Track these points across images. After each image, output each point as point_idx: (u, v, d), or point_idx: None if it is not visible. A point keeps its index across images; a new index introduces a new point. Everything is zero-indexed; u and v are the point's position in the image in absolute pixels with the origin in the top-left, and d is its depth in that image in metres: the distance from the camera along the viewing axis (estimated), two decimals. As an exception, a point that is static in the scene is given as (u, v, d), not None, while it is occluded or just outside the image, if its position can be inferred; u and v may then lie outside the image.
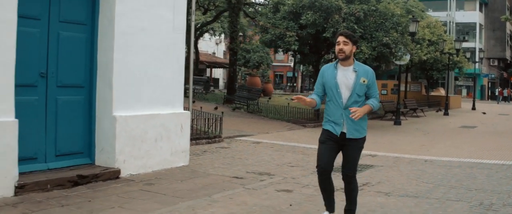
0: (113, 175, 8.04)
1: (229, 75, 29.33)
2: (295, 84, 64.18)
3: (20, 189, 6.69)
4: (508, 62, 73.69)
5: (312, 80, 56.56)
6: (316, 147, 5.93)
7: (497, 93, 65.47)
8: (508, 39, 71.08)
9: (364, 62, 20.00)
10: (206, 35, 46.91)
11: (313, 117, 21.48)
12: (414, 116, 30.09)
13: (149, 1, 8.82)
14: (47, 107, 7.61)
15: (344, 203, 6.04)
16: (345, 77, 5.63)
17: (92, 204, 6.54)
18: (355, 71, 5.64)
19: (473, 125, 24.47)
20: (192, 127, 11.20)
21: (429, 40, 35.15)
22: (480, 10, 69.34)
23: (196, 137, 12.54)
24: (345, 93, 5.62)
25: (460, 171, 10.17)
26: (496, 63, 71.38)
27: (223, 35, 53.00)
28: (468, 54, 42.13)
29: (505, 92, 66.37)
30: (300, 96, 5.58)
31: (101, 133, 8.27)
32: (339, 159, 5.84)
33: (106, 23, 8.23)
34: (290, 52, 25.11)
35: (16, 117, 6.74)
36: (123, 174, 8.20)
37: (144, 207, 6.50)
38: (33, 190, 6.82)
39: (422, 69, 40.45)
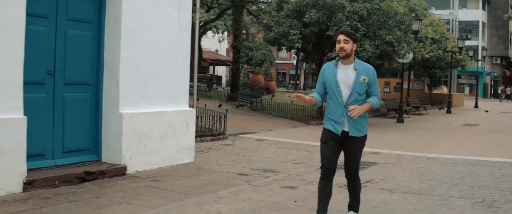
0: (120, 171, 8.14)
1: (233, 73, 29.37)
2: (298, 82, 64.21)
3: (28, 185, 6.79)
4: (511, 60, 73.60)
5: (315, 78, 56.45)
6: (319, 144, 5.97)
7: (499, 92, 65.40)
8: (511, 38, 71.00)
9: (367, 60, 20.09)
10: (209, 32, 46.95)
11: (316, 115, 21.52)
12: (417, 113, 30.13)
13: (155, 0, 8.91)
14: (54, 104, 7.71)
15: (348, 199, 6.09)
16: (346, 75, 5.63)
17: (99, 200, 6.63)
18: (356, 69, 5.64)
19: (476, 123, 24.51)
20: (196, 124, 11.28)
21: (432, 39, 35.20)
22: (483, 8, 69.26)
23: (201, 134, 12.64)
24: (345, 92, 5.61)
25: (462, 169, 10.25)
26: (498, 62, 71.31)
27: (226, 33, 53.02)
28: (470, 53, 41.95)
29: (508, 90, 66.25)
30: (299, 94, 5.60)
31: (108, 130, 8.37)
32: (341, 157, 5.88)
33: (112, 21, 8.33)
34: (293, 50, 25.16)
35: (24, 114, 6.84)
36: (129, 171, 8.30)
37: (151, 203, 6.59)
38: (41, 186, 6.92)
39: (424, 67, 40.42)
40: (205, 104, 16.11)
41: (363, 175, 8.85)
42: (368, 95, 5.74)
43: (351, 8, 20.64)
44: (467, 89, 67.85)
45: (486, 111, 34.59)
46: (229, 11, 32.36)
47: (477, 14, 67.95)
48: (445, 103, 35.58)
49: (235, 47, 28.15)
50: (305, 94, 5.72)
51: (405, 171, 9.88)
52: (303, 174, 9.13)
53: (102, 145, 8.40)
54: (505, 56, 71.33)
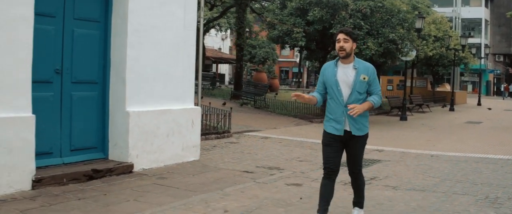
0: (127, 169, 8.22)
1: (236, 71, 29.41)
2: (301, 80, 64.22)
3: (37, 183, 6.87)
4: (514, 58, 73.58)
5: (318, 76, 56.54)
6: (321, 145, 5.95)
7: (502, 89, 65.31)
8: (514, 35, 70.96)
9: (371, 58, 20.16)
10: (212, 30, 46.97)
11: (320, 113, 21.55)
12: (420, 111, 30.18)
13: (161, -1, 9.00)
14: (62, 102, 7.78)
15: (352, 196, 6.13)
16: (345, 75, 5.60)
17: (107, 198, 6.72)
18: (355, 68, 5.61)
19: (479, 121, 24.56)
20: (201, 122, 11.35)
21: (435, 36, 35.22)
22: (486, 6, 69.18)
23: (206, 132, 12.71)
24: (345, 91, 5.59)
25: (466, 166, 10.31)
26: (501, 59, 71.22)
27: (229, 31, 53.03)
28: (473, 50, 42.15)
29: (511, 88, 66.21)
30: (299, 93, 5.61)
31: (114, 128, 8.45)
32: (344, 155, 5.91)
33: (119, 20, 8.40)
34: (296, 48, 25.21)
35: (33, 112, 6.92)
36: (136, 168, 8.38)
37: (158, 201, 6.67)
38: (49, 184, 7.00)
39: (427, 65, 40.48)
40: (210, 103, 16.19)
41: (367, 172, 8.93)
42: (368, 94, 5.73)
43: (355, 6, 20.70)
44: (470, 87, 67.80)
45: (489, 109, 34.64)
46: (233, 9, 32.38)
47: (480, 11, 67.89)
48: (448, 101, 35.63)
49: (238, 45, 28.19)
50: (306, 93, 5.74)
51: (409, 168, 9.95)
52: (307, 172, 9.20)
53: (109, 143, 8.48)
54: (508, 53, 71.19)
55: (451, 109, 32.54)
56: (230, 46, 64.54)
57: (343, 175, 6.73)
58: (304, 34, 21.74)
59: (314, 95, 5.76)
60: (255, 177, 8.46)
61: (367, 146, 6.00)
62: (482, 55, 54.04)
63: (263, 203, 6.76)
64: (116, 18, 8.43)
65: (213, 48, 54.55)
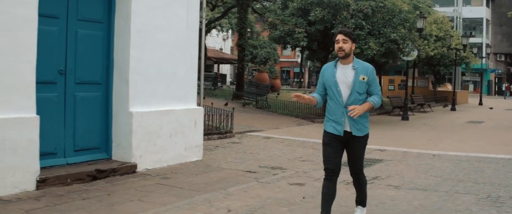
0: (130, 169, 8.26)
1: (238, 71, 29.42)
2: (302, 80, 64.24)
3: (41, 183, 6.92)
4: (515, 57, 73.56)
5: (319, 76, 56.53)
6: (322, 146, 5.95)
7: (504, 89, 65.31)
8: (515, 35, 70.95)
9: (372, 58, 20.20)
10: (214, 31, 47.01)
11: (322, 113, 21.53)
12: (422, 111, 30.20)
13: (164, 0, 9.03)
14: (65, 103, 7.83)
15: (355, 195, 6.15)
16: (344, 75, 5.60)
17: (112, 198, 6.76)
18: (354, 69, 5.61)
19: (480, 120, 24.57)
20: (204, 122, 11.38)
21: (436, 36, 35.23)
22: (487, 5, 69.17)
23: (208, 132, 12.74)
24: (345, 92, 5.59)
25: (467, 165, 10.34)
26: (503, 59, 71.20)
27: (230, 31, 53.07)
28: (475, 50, 42.15)
29: (512, 87, 66.29)
30: (299, 94, 5.61)
31: (118, 129, 8.49)
32: (344, 155, 5.92)
33: (122, 21, 8.44)
34: (298, 48, 25.23)
35: (37, 113, 6.97)
36: (139, 169, 8.42)
37: (162, 200, 6.71)
38: (54, 184, 7.05)
39: (429, 65, 40.48)
40: (212, 103, 16.22)
41: (370, 172, 8.97)
42: (368, 94, 5.73)
43: (356, 6, 20.73)
44: (471, 87, 67.80)
45: (491, 108, 34.62)
46: (234, 10, 32.42)
47: (481, 11, 67.89)
48: (450, 100, 35.63)
49: (240, 46, 28.18)
50: (307, 94, 5.76)
51: (411, 167, 9.98)
52: (310, 171, 9.24)
53: (113, 143, 8.53)
54: (509, 53, 71.19)
55: (453, 109, 32.55)
56: (231, 47, 64.57)
57: (346, 175, 6.74)
58: (305, 34, 21.77)
59: (314, 96, 5.77)
60: (258, 177, 8.50)
61: (369, 146, 6.02)
62: (484, 55, 54.01)
63: (266, 203, 6.80)
64: (119, 19, 8.47)
65: (214, 49, 54.60)
